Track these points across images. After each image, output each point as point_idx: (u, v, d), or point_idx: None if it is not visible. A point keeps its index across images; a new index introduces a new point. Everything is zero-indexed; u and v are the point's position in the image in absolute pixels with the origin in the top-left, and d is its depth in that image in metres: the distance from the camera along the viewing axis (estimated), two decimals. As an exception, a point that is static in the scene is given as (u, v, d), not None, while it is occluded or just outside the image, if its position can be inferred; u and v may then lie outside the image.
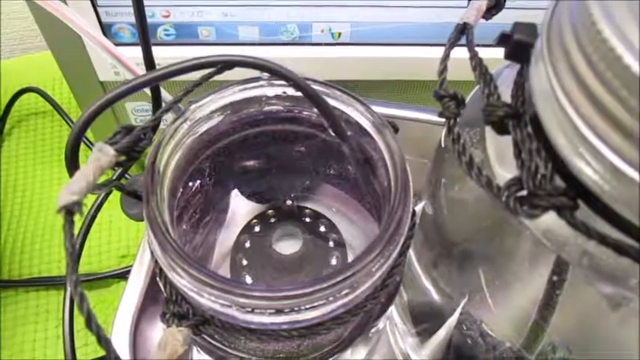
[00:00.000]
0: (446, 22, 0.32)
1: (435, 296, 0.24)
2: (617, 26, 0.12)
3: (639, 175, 0.12)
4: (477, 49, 0.18)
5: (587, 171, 0.14)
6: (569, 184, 0.15)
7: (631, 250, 0.14)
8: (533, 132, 0.15)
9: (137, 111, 0.38)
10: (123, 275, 0.40)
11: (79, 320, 0.30)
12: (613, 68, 0.12)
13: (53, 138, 0.48)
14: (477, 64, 0.17)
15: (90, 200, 0.17)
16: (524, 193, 0.15)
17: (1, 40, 0.54)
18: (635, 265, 0.14)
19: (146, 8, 0.24)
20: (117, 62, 0.26)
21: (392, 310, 0.29)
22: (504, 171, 0.18)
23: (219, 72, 0.20)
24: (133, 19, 0.24)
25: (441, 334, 0.25)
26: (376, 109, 0.27)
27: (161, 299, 0.19)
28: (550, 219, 0.15)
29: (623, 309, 0.17)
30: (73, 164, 0.17)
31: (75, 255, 0.13)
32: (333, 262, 0.24)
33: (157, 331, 0.27)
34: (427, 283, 0.24)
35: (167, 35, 0.33)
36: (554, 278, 0.17)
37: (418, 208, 0.26)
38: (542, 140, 0.15)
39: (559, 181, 0.15)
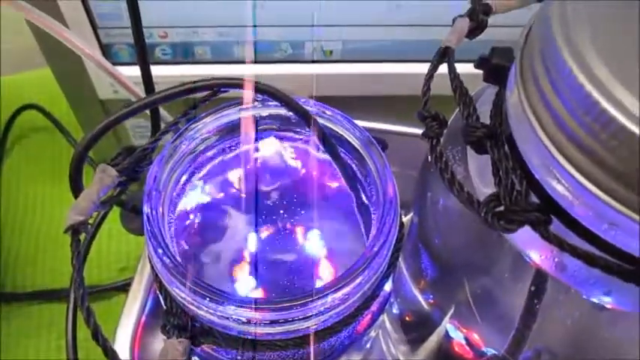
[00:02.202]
0: (434, 39, 0.33)
1: (424, 305, 0.25)
2: (579, 55, 0.13)
3: (604, 194, 0.13)
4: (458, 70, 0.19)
5: (558, 188, 0.15)
6: (542, 200, 0.16)
7: (600, 261, 0.15)
8: (510, 151, 0.16)
9: (136, 127, 0.39)
10: (123, 287, 0.41)
11: (81, 332, 0.31)
12: (576, 96, 0.13)
13: (54, 153, 0.49)
14: (457, 86, 0.18)
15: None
16: (501, 208, 0.16)
17: (1, 56, 0.55)
18: (606, 275, 0.15)
19: (144, 29, 0.25)
20: (118, 83, 0.27)
21: (384, 318, 0.30)
22: (485, 186, 0.19)
23: (214, 94, 0.21)
24: (131, 39, 0.25)
25: (431, 342, 0.26)
26: (367, 123, 0.28)
27: (161, 311, 0.20)
28: (528, 232, 0.16)
29: (599, 315, 0.18)
30: (76, 186, 0.18)
31: (82, 271, 0.14)
32: (327, 273, 0.25)
33: (157, 343, 0.28)
34: (416, 293, 0.25)
35: (164, 54, 0.34)
36: (532, 288, 0.18)
37: (407, 219, 0.27)
38: (517, 159, 0.16)
39: (534, 198, 0.16)
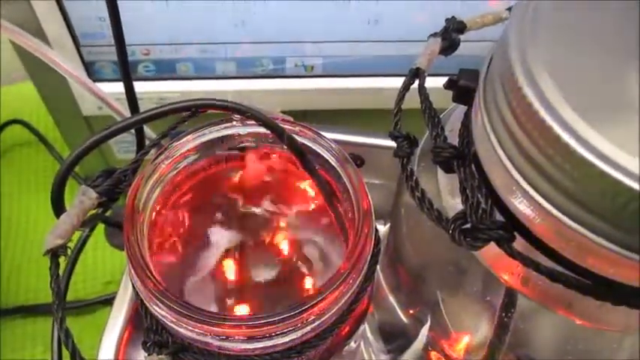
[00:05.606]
0: (412, 54, 0.34)
1: (402, 316, 0.25)
2: (534, 82, 0.14)
3: (561, 214, 0.14)
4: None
5: (520, 207, 0.16)
6: (507, 218, 0.16)
7: (561, 277, 0.15)
8: (476, 169, 0.17)
9: (119, 142, 0.39)
10: (108, 301, 0.41)
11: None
12: (531, 121, 0.14)
13: (38, 168, 0.50)
14: (427, 107, 0.19)
15: (75, 235, 0.18)
16: (468, 226, 0.16)
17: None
18: (568, 290, 0.16)
19: (127, 47, 0.25)
20: (103, 103, 0.27)
21: (366, 328, 0.30)
22: (455, 203, 0.19)
23: (194, 115, 0.22)
24: (114, 57, 0.25)
25: (411, 352, 0.26)
26: (349, 136, 0.28)
27: (144, 325, 0.21)
28: (495, 248, 0.16)
29: (567, 327, 0.19)
30: (58, 206, 0.19)
31: (61, 294, 0.15)
32: (308, 287, 0.26)
33: (140, 357, 0.28)
34: (394, 304, 0.26)
35: (147, 71, 0.35)
36: (502, 301, 0.18)
37: (385, 229, 0.28)
38: (483, 178, 0.17)
39: (499, 216, 0.17)
